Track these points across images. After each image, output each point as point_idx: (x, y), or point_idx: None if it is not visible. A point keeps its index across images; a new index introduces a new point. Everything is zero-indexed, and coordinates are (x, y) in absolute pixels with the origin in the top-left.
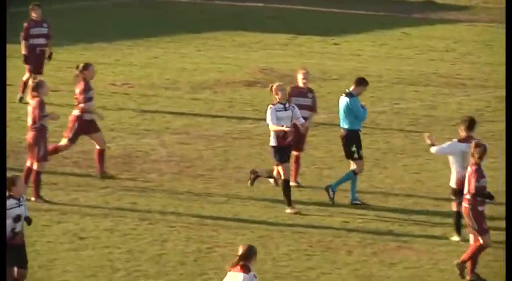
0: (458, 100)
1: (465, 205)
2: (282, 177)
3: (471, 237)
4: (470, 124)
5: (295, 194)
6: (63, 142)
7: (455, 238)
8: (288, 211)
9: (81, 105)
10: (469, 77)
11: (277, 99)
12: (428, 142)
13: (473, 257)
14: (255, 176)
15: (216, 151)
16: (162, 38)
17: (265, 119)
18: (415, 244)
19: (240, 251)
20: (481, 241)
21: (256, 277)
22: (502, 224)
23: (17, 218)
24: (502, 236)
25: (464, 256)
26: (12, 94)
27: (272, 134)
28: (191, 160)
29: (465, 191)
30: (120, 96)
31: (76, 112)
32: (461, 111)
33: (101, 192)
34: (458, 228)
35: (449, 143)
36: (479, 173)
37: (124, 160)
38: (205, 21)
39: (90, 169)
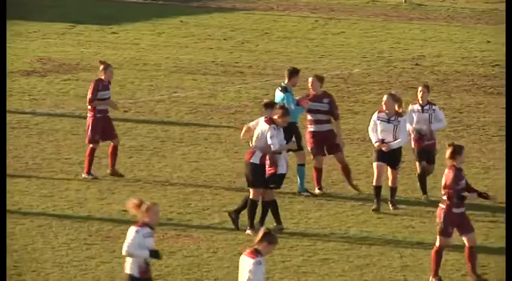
0: (237, 88)
1: (441, 205)
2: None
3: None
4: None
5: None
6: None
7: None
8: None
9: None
10: (247, 65)
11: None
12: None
13: (434, 260)
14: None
15: None
16: None
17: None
18: (194, 232)
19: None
20: (437, 242)
21: (261, 264)
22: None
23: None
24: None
25: (468, 264)
26: None
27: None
28: None
29: (442, 191)
30: None
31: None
32: (240, 100)
33: None
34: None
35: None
36: (456, 176)
37: None
38: None
39: None
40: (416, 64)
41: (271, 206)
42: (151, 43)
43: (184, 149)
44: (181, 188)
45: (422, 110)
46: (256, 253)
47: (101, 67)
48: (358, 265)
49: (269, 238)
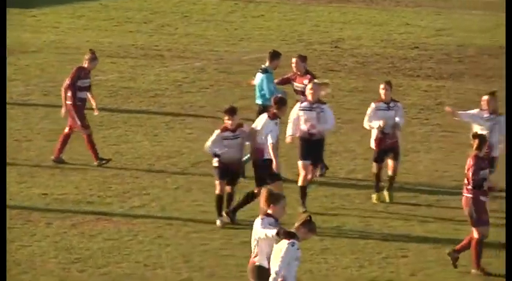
0: (157, 72)
1: (466, 194)
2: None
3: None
4: None
5: None
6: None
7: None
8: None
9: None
10: (167, 48)
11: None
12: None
13: (476, 252)
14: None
15: None
16: None
17: None
18: (114, 216)
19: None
20: (475, 235)
21: (294, 246)
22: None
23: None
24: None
25: (459, 246)
26: None
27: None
28: None
29: (465, 180)
30: None
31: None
32: (159, 83)
33: None
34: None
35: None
36: (477, 165)
37: None
38: None
39: None
40: (336, 47)
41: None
42: (71, 26)
43: (105, 132)
44: (102, 171)
45: (388, 108)
46: (292, 236)
47: (88, 56)
48: None
49: (310, 225)
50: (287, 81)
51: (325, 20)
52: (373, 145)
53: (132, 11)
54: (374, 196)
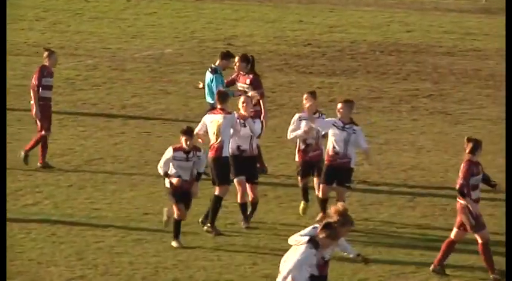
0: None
1: (460, 201)
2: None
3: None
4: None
5: None
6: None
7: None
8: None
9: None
10: (60, 46)
11: None
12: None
13: (486, 257)
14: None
15: None
16: None
17: None
18: (7, 213)
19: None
20: (479, 240)
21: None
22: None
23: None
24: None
25: (438, 257)
26: None
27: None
28: None
29: (457, 186)
30: None
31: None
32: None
33: None
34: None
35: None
36: (469, 170)
37: None
38: None
39: None
40: (229, 44)
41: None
42: None
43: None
44: None
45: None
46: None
47: (45, 54)
48: (172, 245)
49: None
50: (232, 82)
51: (217, 17)
52: (296, 157)
53: (25, 9)
54: (302, 204)
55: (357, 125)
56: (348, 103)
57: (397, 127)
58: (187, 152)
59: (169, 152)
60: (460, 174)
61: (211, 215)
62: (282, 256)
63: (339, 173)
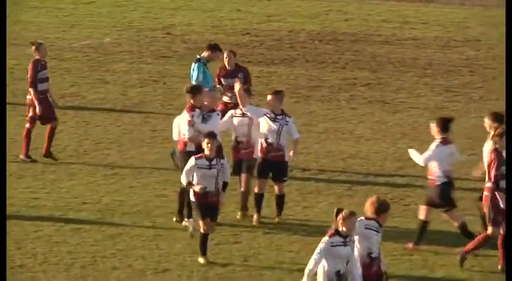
0: None
1: (486, 193)
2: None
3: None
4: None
5: None
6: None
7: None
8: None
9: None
10: None
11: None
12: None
13: (479, 243)
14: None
15: None
16: None
17: None
18: None
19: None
20: (489, 231)
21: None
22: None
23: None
24: None
25: (469, 246)
26: None
27: None
28: None
29: (486, 178)
30: None
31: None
32: None
33: None
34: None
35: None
36: (499, 159)
37: None
38: None
39: None
40: (167, 33)
41: None
42: None
43: None
44: None
45: (243, 115)
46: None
47: (33, 47)
48: (111, 234)
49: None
50: (218, 78)
51: (155, 7)
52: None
53: None
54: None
55: (289, 116)
56: (278, 94)
57: (335, 116)
58: (210, 160)
59: (191, 161)
60: (491, 164)
61: (180, 205)
62: (220, 245)
63: (274, 167)
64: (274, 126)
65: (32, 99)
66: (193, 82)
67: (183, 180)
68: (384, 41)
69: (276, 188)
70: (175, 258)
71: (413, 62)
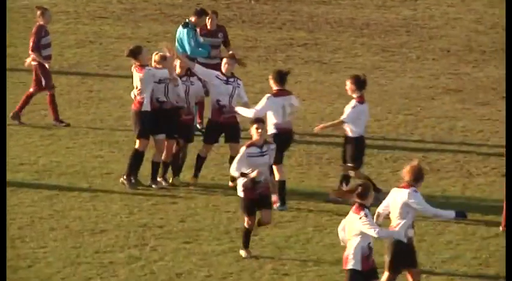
0: None
1: None
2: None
3: None
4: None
5: None
6: None
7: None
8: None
9: None
10: None
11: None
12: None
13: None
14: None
15: None
16: None
17: None
18: None
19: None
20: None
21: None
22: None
23: None
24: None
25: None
26: None
27: None
28: None
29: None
30: None
31: None
32: None
33: None
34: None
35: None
36: None
37: None
38: None
39: None
40: None
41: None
42: None
43: None
44: None
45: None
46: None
47: (38, 12)
48: (48, 195)
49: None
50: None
51: None
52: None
53: None
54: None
55: (240, 79)
56: (234, 58)
57: None
58: (260, 146)
59: (242, 151)
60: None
61: (129, 167)
62: (158, 205)
63: (227, 129)
64: (227, 88)
65: (35, 65)
66: (188, 52)
67: (233, 172)
68: (320, 1)
69: (230, 151)
70: (112, 219)
71: (350, 22)
